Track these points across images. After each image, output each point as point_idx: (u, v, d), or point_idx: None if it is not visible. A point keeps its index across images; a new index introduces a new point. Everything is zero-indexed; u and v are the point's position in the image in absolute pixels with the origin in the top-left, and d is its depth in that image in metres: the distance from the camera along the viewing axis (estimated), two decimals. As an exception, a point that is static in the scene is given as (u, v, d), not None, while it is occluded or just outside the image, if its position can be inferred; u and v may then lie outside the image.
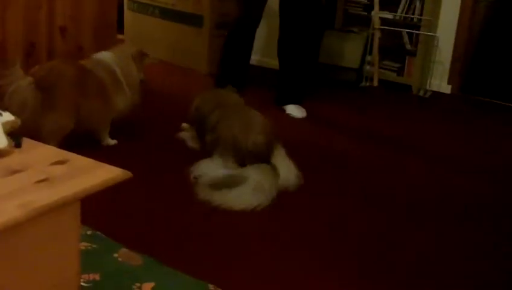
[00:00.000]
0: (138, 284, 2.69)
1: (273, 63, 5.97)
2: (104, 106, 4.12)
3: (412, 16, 6.01)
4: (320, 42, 5.86)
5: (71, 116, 3.94)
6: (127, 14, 6.64)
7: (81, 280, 2.03)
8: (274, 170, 3.72)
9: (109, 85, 4.12)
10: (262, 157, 3.77)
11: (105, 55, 4.22)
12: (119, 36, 5.79)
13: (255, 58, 5.46)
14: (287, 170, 3.80)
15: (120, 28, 6.04)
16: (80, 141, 4.07)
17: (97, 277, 2.69)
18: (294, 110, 5.14)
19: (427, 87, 5.99)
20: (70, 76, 3.92)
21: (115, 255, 2.90)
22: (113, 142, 4.25)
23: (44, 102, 3.78)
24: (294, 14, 5.04)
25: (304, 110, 5.15)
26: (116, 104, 4.18)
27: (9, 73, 3.72)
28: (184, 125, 4.41)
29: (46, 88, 3.79)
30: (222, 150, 3.83)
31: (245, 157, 3.77)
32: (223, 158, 3.81)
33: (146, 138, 4.43)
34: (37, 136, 3.60)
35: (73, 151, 1.95)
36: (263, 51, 5.90)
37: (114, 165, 1.86)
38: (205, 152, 4.00)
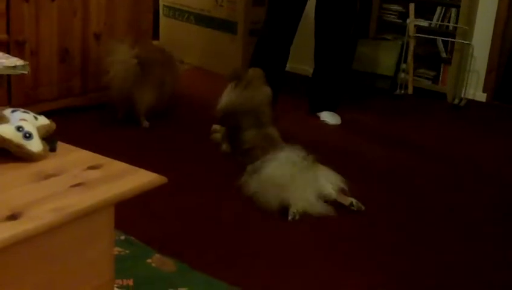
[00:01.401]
0: (171, 290, 2.69)
1: (305, 69, 5.97)
2: (174, 84, 4.79)
3: (448, 24, 5.96)
4: (354, 49, 5.84)
5: (157, 92, 4.55)
6: (163, 20, 6.67)
7: (115, 285, 2.03)
8: None
9: (177, 67, 4.88)
10: None
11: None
12: (154, 42, 5.81)
13: (287, 65, 5.44)
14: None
15: (155, 34, 6.06)
16: (114, 144, 4.11)
17: (130, 282, 2.69)
18: (329, 117, 5.11)
19: (462, 95, 5.94)
20: (162, 57, 4.67)
21: (148, 260, 2.90)
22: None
23: (140, 77, 4.40)
24: (331, 21, 5.02)
25: (338, 117, 5.12)
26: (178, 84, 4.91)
27: (116, 48, 4.43)
28: (215, 127, 4.40)
29: (145, 66, 4.41)
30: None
31: None
32: None
33: (179, 142, 4.45)
34: (130, 106, 4.52)
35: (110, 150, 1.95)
36: (295, 57, 5.87)
37: (147, 170, 1.86)
38: (236, 155, 4.11)
